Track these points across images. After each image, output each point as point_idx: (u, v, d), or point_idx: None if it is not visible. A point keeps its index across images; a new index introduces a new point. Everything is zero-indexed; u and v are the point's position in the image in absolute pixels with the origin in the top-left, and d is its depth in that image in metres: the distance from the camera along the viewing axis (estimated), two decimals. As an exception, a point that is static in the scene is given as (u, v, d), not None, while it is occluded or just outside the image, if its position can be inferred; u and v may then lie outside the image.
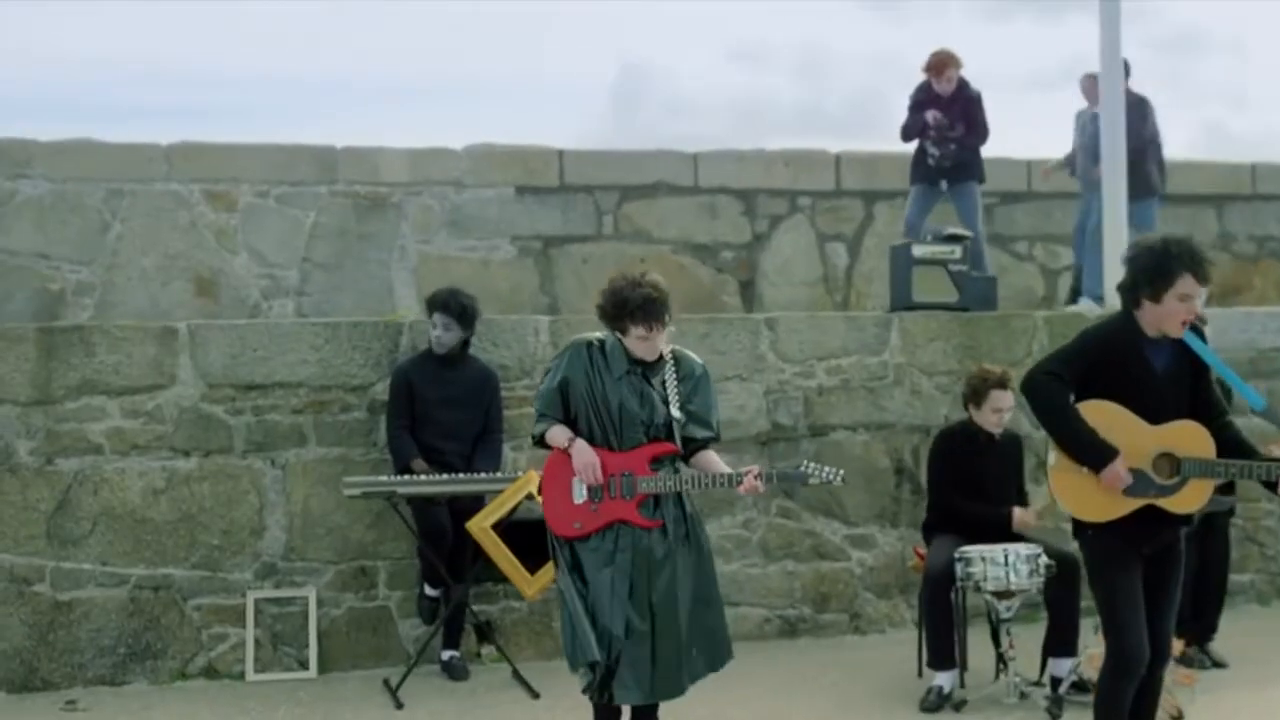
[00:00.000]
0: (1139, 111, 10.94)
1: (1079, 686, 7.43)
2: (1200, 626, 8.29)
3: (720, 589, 6.24)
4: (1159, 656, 5.90)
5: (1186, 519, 5.83)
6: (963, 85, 10.69)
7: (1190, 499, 5.70)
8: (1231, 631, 8.79)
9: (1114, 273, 10.38)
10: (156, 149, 11.74)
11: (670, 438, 6.04)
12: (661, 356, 6.11)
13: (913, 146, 11.03)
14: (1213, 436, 5.78)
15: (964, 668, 7.77)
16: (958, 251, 9.64)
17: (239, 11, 22.46)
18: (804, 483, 6.16)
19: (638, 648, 5.82)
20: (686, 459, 6.14)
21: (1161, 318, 5.65)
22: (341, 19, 22.75)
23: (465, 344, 8.30)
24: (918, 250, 9.67)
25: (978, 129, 10.71)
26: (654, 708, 6.04)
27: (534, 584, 7.76)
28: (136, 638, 8.07)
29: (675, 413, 6.05)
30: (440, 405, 8.15)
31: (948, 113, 10.55)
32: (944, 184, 10.82)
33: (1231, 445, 5.77)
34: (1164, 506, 5.67)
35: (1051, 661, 7.65)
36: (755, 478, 5.96)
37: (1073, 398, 5.77)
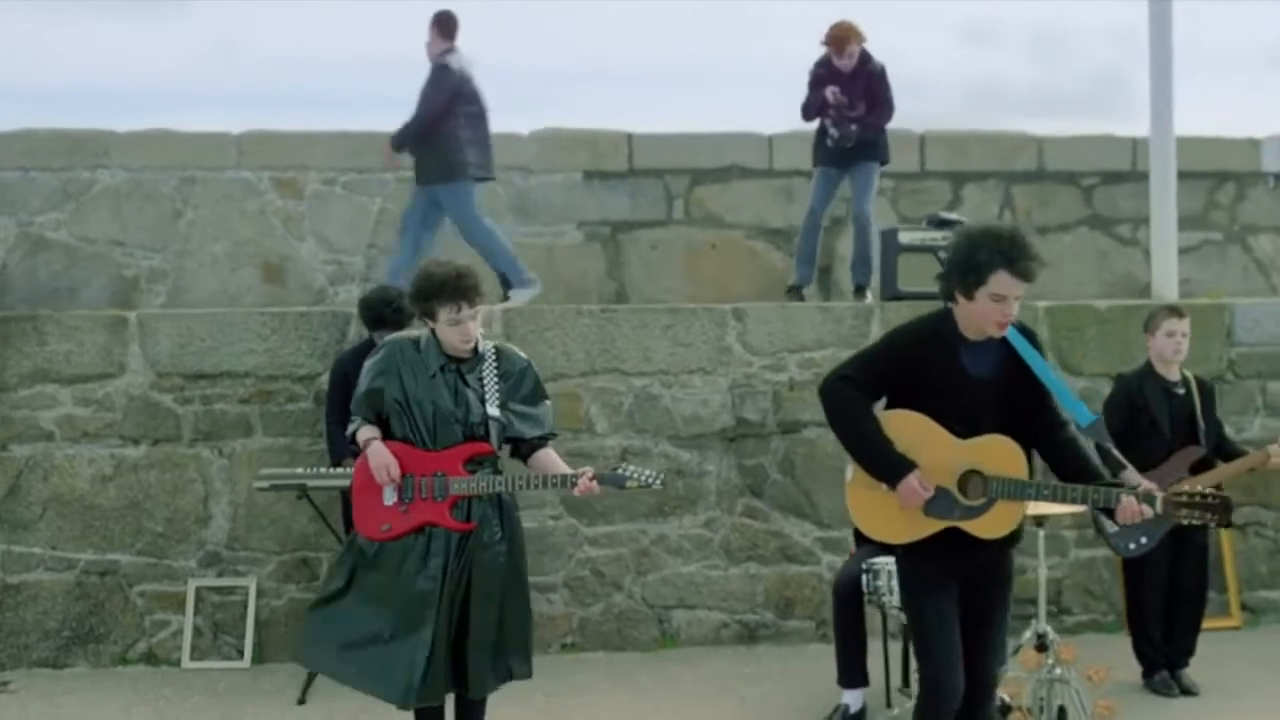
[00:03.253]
0: (442, 79, 9.84)
1: (1000, 711, 6.90)
2: (1172, 650, 7.58)
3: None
4: (981, 692, 5.38)
5: (1006, 539, 5.27)
6: (865, 60, 9.92)
7: (997, 523, 5.14)
8: (1232, 655, 8.11)
9: (1167, 268, 9.65)
10: (228, 138, 11.96)
11: (489, 437, 5.80)
12: (480, 352, 5.86)
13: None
14: (1052, 453, 5.24)
15: (905, 684, 7.32)
16: (950, 238, 8.99)
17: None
18: (621, 486, 5.82)
19: (437, 652, 5.66)
20: (524, 459, 5.91)
21: (975, 317, 5.11)
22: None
23: None
24: (905, 236, 9.12)
25: (881, 107, 9.94)
26: (480, 705, 5.91)
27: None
28: (80, 622, 8.26)
29: (492, 411, 5.81)
30: (377, 398, 8.05)
31: (849, 90, 9.83)
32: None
33: (1072, 464, 5.20)
34: (967, 530, 5.13)
35: (974, 683, 7.09)
36: (590, 479, 5.70)
37: (882, 403, 5.29)
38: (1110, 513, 5.08)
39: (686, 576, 8.53)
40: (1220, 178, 12.38)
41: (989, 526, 5.13)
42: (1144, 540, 7.31)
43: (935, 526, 5.15)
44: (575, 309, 8.80)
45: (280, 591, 8.36)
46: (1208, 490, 5.11)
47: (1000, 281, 5.00)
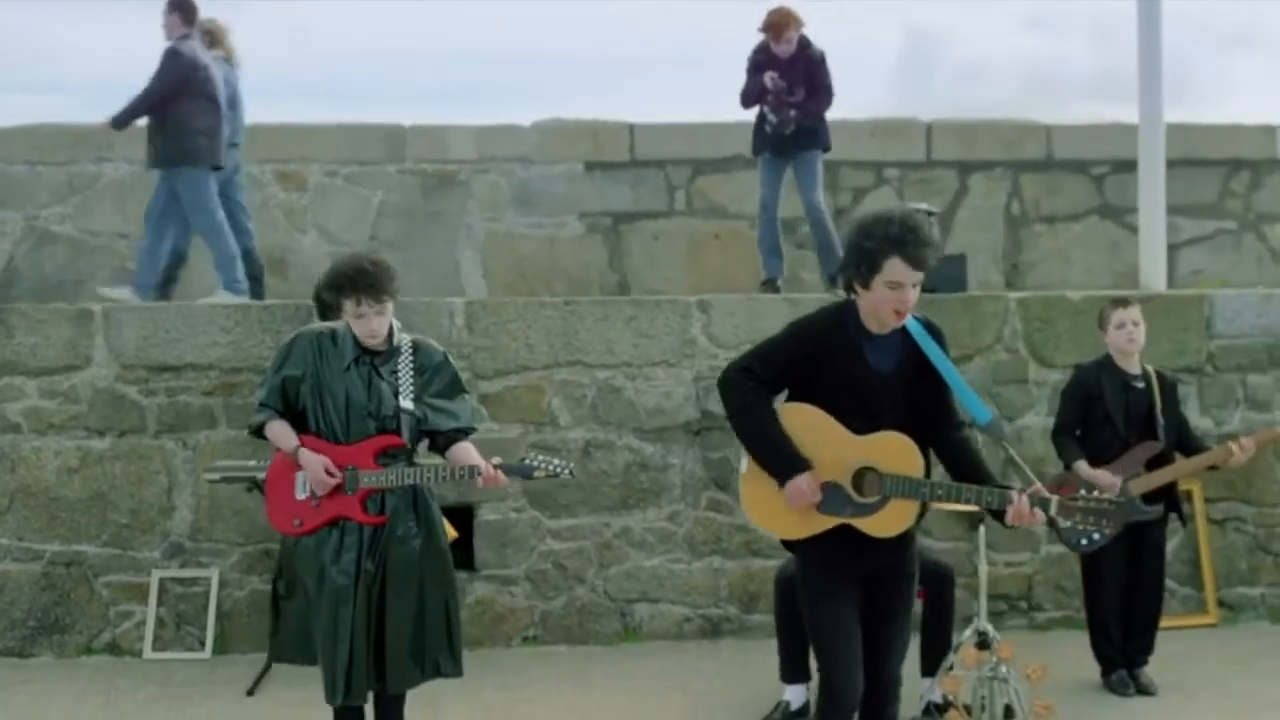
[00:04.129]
0: (171, 62, 9.52)
1: (938, 708, 6.82)
2: (1129, 649, 7.41)
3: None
4: (883, 694, 5.31)
5: (904, 537, 5.17)
6: (804, 46, 9.75)
7: (890, 521, 5.04)
8: (1204, 653, 7.94)
9: (1155, 258, 9.46)
10: (231, 131, 12.00)
11: (401, 430, 5.80)
12: (395, 345, 5.86)
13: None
14: (946, 451, 5.14)
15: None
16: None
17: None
18: (528, 476, 5.80)
19: (356, 648, 5.67)
20: (441, 452, 5.91)
21: (874, 307, 5.02)
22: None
23: None
24: (874, 227, 8.93)
25: (820, 93, 9.76)
26: (398, 701, 5.92)
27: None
28: (46, 612, 8.32)
29: (406, 404, 5.81)
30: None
31: (788, 76, 9.67)
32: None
33: (965, 463, 5.09)
34: (860, 528, 5.04)
35: (921, 682, 7.00)
36: (495, 469, 5.69)
37: (783, 396, 5.20)
38: (1001, 515, 4.98)
39: (650, 570, 8.45)
40: (1235, 165, 12.12)
41: (882, 525, 5.03)
42: (1097, 537, 7.11)
43: (827, 523, 5.07)
44: (538, 301, 8.75)
45: (242, 583, 8.37)
46: (1103, 497, 4.99)
47: (894, 269, 4.91)
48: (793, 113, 9.62)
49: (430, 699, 7.19)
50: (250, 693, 7.56)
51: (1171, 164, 11.64)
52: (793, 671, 7.02)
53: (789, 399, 5.19)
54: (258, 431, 5.94)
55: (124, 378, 8.38)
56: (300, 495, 5.82)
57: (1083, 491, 5.22)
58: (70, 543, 8.35)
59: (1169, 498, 7.31)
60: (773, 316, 8.55)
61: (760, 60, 9.78)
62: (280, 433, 5.83)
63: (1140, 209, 9.98)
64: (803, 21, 9.70)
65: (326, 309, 7.79)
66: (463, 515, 8.37)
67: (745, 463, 5.24)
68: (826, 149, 9.98)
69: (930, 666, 6.98)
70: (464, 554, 8.40)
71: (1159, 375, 7.39)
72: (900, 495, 4.99)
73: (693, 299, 8.69)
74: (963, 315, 8.60)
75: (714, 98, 24.31)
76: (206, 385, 8.39)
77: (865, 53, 28.23)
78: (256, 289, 9.96)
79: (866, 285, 4.98)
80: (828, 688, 5.19)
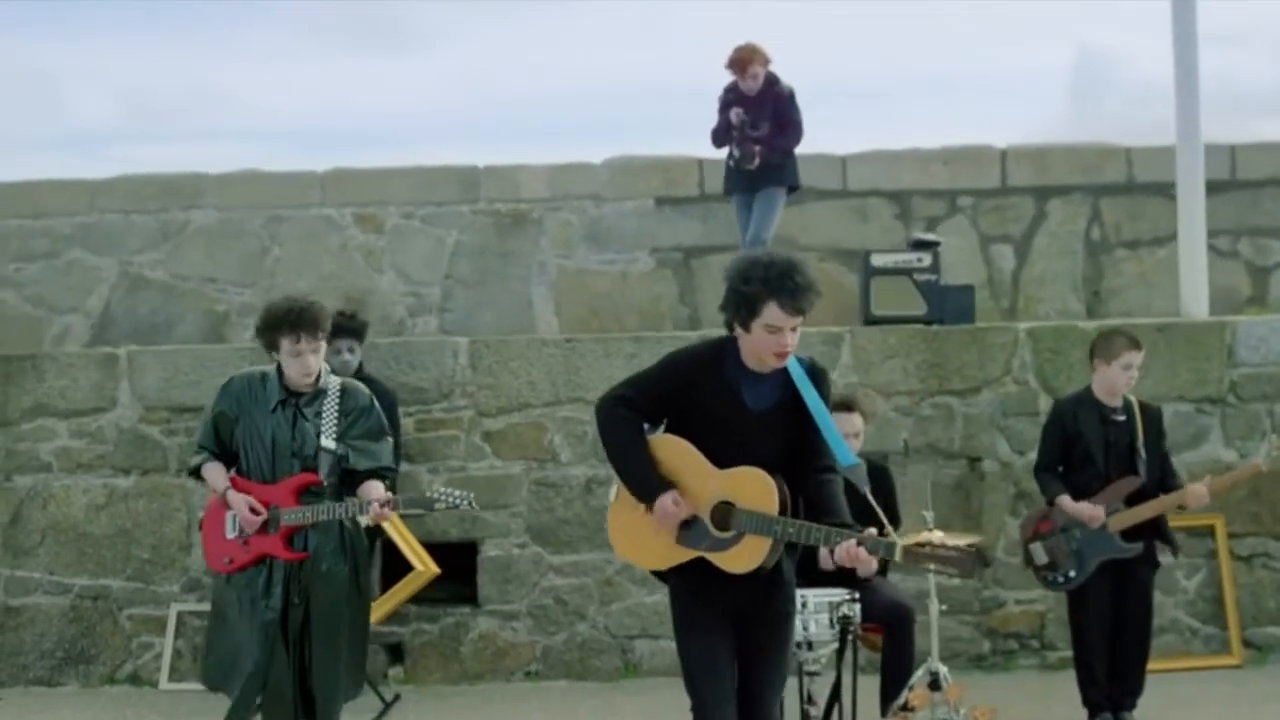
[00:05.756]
0: None
1: (888, 748, 6.67)
2: (1116, 690, 7.11)
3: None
4: (755, 733, 5.21)
5: (775, 575, 5.09)
6: (771, 81, 9.48)
7: (744, 557, 4.97)
8: (1215, 696, 7.60)
9: (1196, 285, 9.14)
10: (313, 176, 12.36)
11: (320, 468, 5.96)
12: (322, 387, 6.03)
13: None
14: (810, 491, 5.04)
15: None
16: (926, 259, 8.65)
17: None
18: (430, 509, 5.94)
19: (280, 675, 5.84)
20: (354, 490, 6.06)
21: (754, 348, 4.99)
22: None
23: (360, 365, 8.35)
24: (877, 259, 8.78)
25: (789, 129, 9.48)
26: None
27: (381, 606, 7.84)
28: (73, 643, 8.68)
29: (326, 443, 5.98)
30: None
31: (753, 112, 9.43)
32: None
33: (825, 505, 4.99)
34: (715, 562, 5.00)
35: (881, 723, 6.85)
36: (383, 505, 5.82)
37: (661, 426, 5.21)
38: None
39: (650, 606, 8.41)
40: (1331, 186, 11.58)
41: (736, 560, 4.97)
42: (1073, 574, 6.93)
43: (686, 555, 5.06)
44: (539, 339, 8.82)
45: (256, 617, 8.57)
46: (951, 544, 4.83)
47: (771, 313, 4.87)
48: (757, 148, 9.46)
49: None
50: (238, 723, 7.73)
51: (1261, 184, 11.29)
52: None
53: (668, 428, 5.18)
54: (195, 473, 6.15)
55: (147, 418, 8.71)
56: (230, 534, 6.03)
57: (934, 534, 5.06)
58: (97, 577, 8.69)
59: (1154, 534, 7.01)
60: (775, 350, 8.46)
61: (729, 99, 9.64)
62: (213, 474, 6.06)
63: (1179, 236, 9.62)
64: (769, 57, 9.51)
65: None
66: (466, 551, 8.47)
67: (613, 494, 5.27)
68: (795, 187, 9.81)
69: (883, 708, 6.81)
70: (467, 589, 8.50)
71: (1142, 406, 7.10)
72: (753, 531, 4.92)
73: (694, 335, 8.65)
74: (968, 346, 8.40)
75: (1102, 117, 24.14)
76: (223, 425, 8.63)
77: (1038, 74, 27.68)
78: None
79: (746, 328, 4.94)
80: None
